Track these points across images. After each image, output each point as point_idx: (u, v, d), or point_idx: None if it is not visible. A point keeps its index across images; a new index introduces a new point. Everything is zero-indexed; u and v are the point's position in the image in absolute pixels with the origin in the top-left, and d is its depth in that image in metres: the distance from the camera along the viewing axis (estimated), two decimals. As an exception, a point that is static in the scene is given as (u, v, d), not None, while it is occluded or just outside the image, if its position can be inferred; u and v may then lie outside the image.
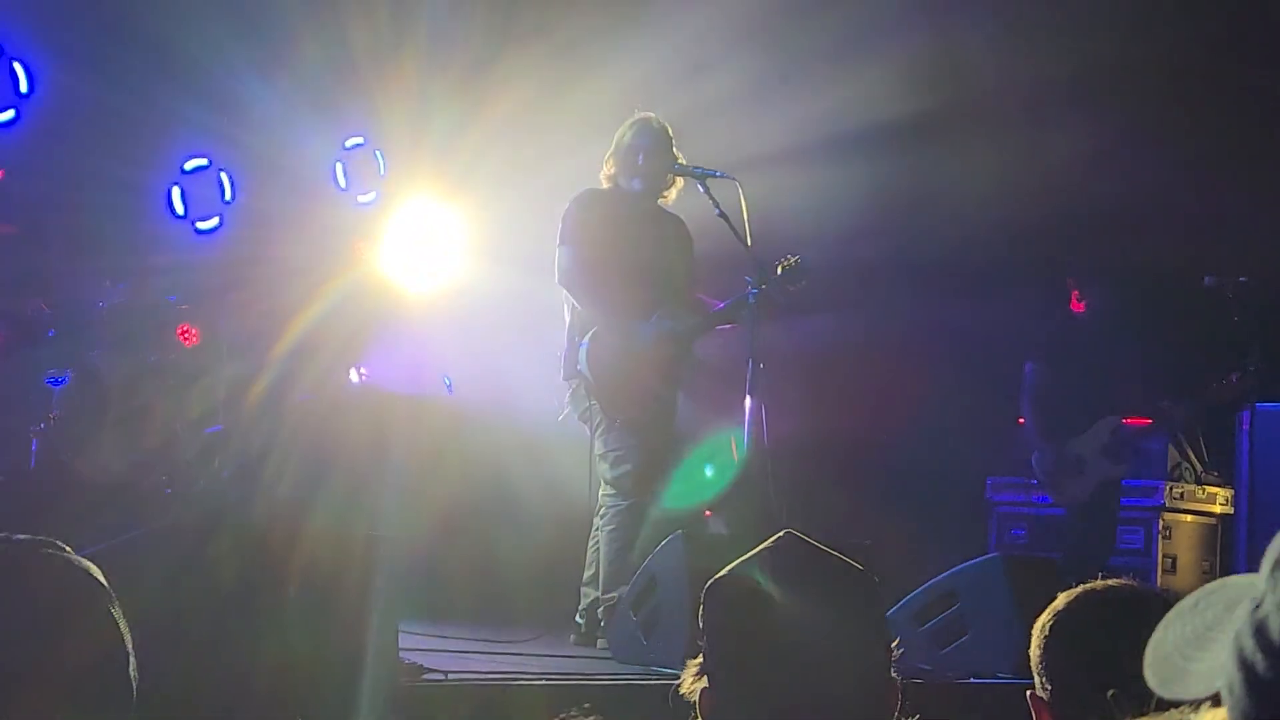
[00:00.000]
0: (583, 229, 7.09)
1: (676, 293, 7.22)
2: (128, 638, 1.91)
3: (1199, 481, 10.03)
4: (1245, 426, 9.83)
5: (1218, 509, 10.05)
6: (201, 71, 8.81)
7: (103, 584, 1.92)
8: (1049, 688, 2.63)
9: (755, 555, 2.35)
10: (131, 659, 1.91)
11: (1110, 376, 8.74)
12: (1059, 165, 10.00)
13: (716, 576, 2.36)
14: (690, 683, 2.33)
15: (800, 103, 9.51)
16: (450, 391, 9.36)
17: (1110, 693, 2.45)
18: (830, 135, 9.43)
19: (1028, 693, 2.67)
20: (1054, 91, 9.90)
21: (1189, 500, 9.93)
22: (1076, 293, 9.07)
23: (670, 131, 7.23)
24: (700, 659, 2.33)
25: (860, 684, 2.25)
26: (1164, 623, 1.28)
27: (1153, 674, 1.26)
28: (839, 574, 2.33)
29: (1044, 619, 2.68)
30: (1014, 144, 10.09)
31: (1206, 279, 8.82)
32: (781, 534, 2.38)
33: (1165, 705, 1.34)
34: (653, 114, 7.27)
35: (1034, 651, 2.67)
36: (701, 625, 2.34)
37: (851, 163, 9.53)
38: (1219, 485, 10.08)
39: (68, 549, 1.92)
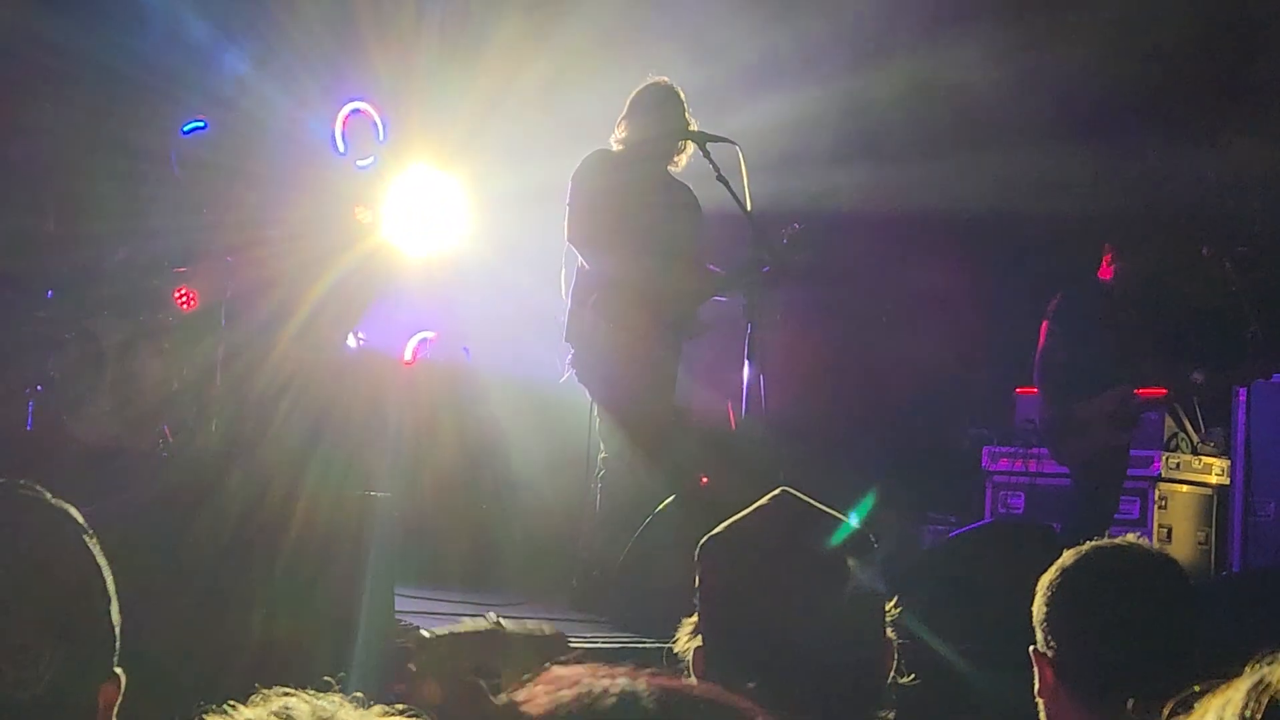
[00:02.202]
0: (592, 189, 7.07)
1: (683, 257, 7.19)
2: (109, 580, 1.92)
3: (1195, 452, 9.99)
4: (1242, 397, 9.83)
5: (1214, 479, 10.03)
6: (200, 33, 8.78)
7: (80, 523, 1.93)
8: (1053, 644, 2.61)
9: (750, 512, 2.34)
10: (113, 601, 1.91)
11: (1130, 345, 8.61)
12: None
13: (711, 533, 2.35)
14: (684, 642, 2.31)
15: (811, 54, 9.47)
16: (468, 357, 9.35)
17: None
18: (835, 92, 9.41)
19: (1031, 648, 2.65)
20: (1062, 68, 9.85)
21: (1185, 470, 9.89)
22: (1110, 257, 8.81)
23: (683, 97, 7.20)
24: (694, 618, 2.32)
25: (854, 641, 2.24)
26: None
27: None
28: (833, 531, 2.32)
29: (1050, 575, 2.66)
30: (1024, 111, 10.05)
31: (1204, 249, 8.76)
32: (777, 491, 2.37)
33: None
34: (667, 78, 7.25)
35: (1039, 608, 2.65)
36: (696, 583, 2.33)
37: (854, 124, 9.51)
38: (1215, 456, 10.06)
39: (45, 491, 1.93)
